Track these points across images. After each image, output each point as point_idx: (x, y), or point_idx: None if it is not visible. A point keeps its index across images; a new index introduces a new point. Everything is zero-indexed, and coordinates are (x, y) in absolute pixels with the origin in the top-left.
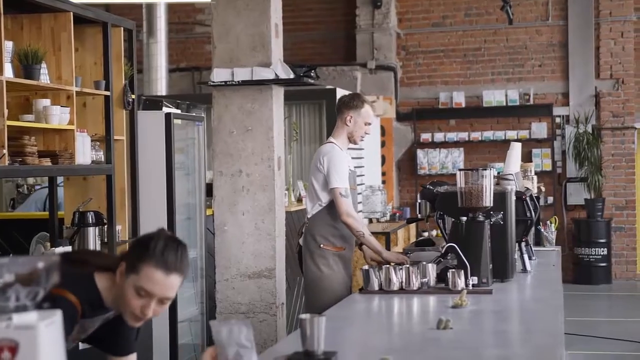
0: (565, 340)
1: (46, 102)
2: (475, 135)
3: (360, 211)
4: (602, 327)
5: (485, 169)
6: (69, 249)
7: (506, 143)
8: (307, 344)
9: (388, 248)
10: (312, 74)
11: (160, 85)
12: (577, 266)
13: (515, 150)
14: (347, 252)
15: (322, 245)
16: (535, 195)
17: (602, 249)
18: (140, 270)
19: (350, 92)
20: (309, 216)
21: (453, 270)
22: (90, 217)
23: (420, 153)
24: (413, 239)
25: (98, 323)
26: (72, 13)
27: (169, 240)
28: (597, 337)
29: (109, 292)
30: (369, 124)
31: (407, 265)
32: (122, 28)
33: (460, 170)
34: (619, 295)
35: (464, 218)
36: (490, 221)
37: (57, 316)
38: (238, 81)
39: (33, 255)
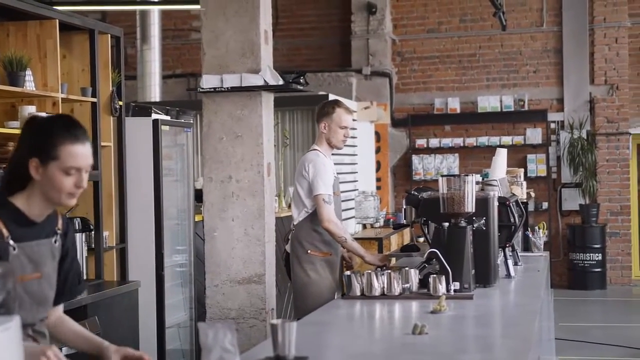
0: (557, 346)
1: (32, 108)
2: (470, 141)
3: (353, 217)
4: (596, 333)
5: (468, 175)
6: None
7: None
8: (279, 349)
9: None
10: (301, 81)
11: (154, 92)
12: (572, 272)
13: (501, 156)
14: (333, 257)
15: (309, 251)
16: (523, 201)
17: (597, 254)
18: (59, 153)
19: (327, 100)
20: (295, 223)
21: (434, 275)
22: (77, 224)
23: (415, 159)
24: None
25: (45, 249)
26: (57, 20)
27: (63, 119)
28: (591, 343)
29: (30, 205)
30: (345, 127)
31: (389, 271)
32: (109, 35)
33: (442, 176)
34: (614, 301)
35: (446, 224)
36: (473, 227)
37: (13, 322)
38: (227, 87)
39: None
